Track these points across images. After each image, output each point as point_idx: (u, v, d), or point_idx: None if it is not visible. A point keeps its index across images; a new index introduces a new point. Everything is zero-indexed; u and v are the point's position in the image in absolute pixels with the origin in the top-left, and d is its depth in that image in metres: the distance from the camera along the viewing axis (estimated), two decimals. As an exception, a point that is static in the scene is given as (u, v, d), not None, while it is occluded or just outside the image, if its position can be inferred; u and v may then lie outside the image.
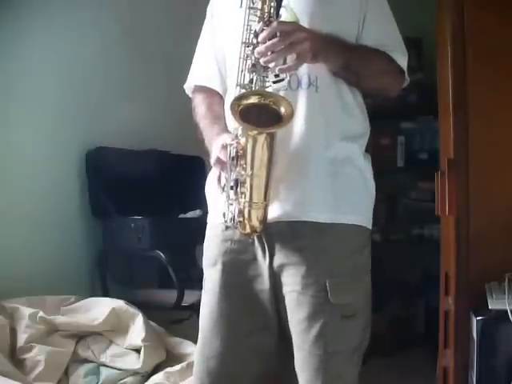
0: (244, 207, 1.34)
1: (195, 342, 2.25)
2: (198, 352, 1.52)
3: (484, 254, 1.98)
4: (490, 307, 1.77)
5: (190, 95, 1.64)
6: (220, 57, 1.55)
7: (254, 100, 1.31)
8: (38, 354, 2.03)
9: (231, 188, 1.34)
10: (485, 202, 2.01)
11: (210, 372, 1.47)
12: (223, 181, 1.37)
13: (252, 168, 1.32)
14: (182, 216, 2.84)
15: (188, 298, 2.53)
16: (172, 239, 2.67)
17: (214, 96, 1.57)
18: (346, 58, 1.40)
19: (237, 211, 1.35)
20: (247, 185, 1.33)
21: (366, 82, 1.47)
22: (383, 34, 1.48)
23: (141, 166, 2.83)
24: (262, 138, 1.30)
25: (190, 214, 2.82)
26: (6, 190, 2.40)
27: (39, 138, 2.55)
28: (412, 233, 3.87)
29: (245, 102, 1.31)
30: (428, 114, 3.64)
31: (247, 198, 1.34)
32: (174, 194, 2.93)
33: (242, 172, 1.32)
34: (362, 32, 1.46)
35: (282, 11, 1.37)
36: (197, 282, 2.47)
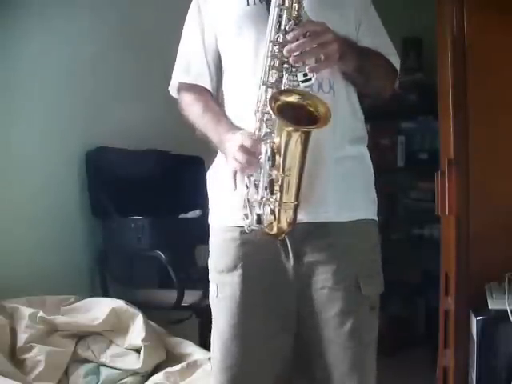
0: (274, 207, 1.33)
1: (195, 342, 2.27)
2: (218, 360, 1.47)
3: (484, 254, 1.98)
4: (490, 307, 1.77)
5: (175, 95, 1.61)
6: (211, 53, 1.53)
7: (293, 98, 1.31)
8: (37, 354, 2.02)
9: (265, 188, 1.32)
10: (485, 201, 2.01)
11: (231, 381, 1.45)
12: (246, 181, 1.36)
13: (285, 167, 1.30)
14: (182, 216, 2.84)
15: (188, 297, 2.53)
16: (172, 239, 2.66)
17: (205, 94, 1.54)
18: (360, 61, 1.42)
19: (268, 211, 1.34)
20: (279, 184, 1.32)
21: (371, 84, 1.51)
22: (378, 39, 1.53)
23: (141, 166, 2.82)
24: (296, 136, 1.29)
25: (190, 214, 2.82)
26: (6, 190, 2.40)
27: (39, 138, 2.55)
28: (412, 233, 3.87)
29: (284, 98, 1.30)
30: (428, 114, 3.65)
31: (278, 198, 1.32)
32: (173, 194, 2.92)
33: (275, 171, 1.31)
34: (358, 36, 1.50)
35: None
36: (197, 282, 2.49)
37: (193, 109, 1.53)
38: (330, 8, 1.45)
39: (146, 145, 2.91)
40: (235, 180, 1.38)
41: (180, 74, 1.58)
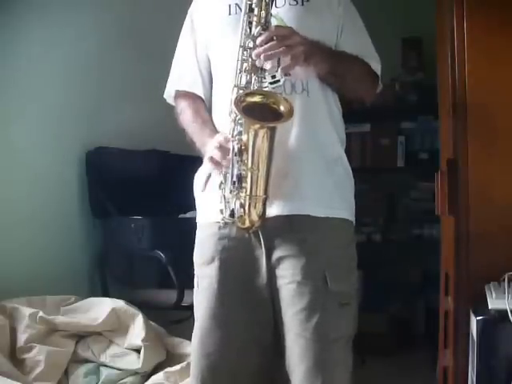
0: (245, 201, 1.40)
1: (195, 341, 2.27)
2: (196, 349, 1.53)
3: (484, 253, 1.97)
4: (489, 307, 1.77)
5: (171, 101, 1.70)
6: (203, 63, 1.61)
7: (257, 99, 1.38)
8: (37, 354, 2.03)
9: (233, 183, 1.39)
10: (485, 201, 2.00)
11: (211, 367, 1.50)
12: (219, 178, 1.43)
13: (253, 162, 1.38)
14: (181, 216, 2.84)
15: (188, 298, 2.53)
16: (172, 239, 2.66)
17: (198, 101, 1.63)
18: (332, 64, 1.49)
19: (238, 205, 1.40)
20: (248, 179, 1.39)
21: (348, 86, 1.57)
22: (360, 44, 1.59)
23: (141, 166, 2.83)
24: (262, 133, 1.36)
25: (190, 214, 2.81)
26: (6, 190, 2.40)
27: (39, 139, 2.55)
28: (412, 233, 3.87)
29: (249, 99, 1.38)
30: (428, 114, 3.65)
31: (248, 192, 1.39)
32: (174, 194, 2.92)
33: (243, 167, 1.38)
34: (339, 41, 1.57)
35: (272, 20, 1.45)
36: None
37: (184, 116, 1.62)
38: (309, 13, 1.52)
39: (146, 145, 2.92)
40: (207, 182, 1.47)
41: (175, 83, 1.68)
